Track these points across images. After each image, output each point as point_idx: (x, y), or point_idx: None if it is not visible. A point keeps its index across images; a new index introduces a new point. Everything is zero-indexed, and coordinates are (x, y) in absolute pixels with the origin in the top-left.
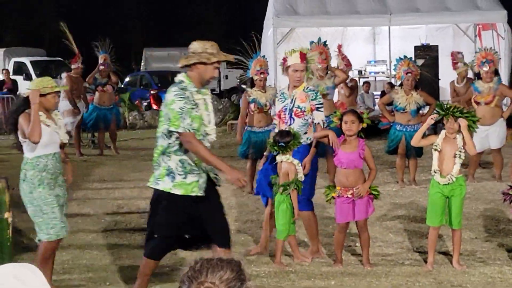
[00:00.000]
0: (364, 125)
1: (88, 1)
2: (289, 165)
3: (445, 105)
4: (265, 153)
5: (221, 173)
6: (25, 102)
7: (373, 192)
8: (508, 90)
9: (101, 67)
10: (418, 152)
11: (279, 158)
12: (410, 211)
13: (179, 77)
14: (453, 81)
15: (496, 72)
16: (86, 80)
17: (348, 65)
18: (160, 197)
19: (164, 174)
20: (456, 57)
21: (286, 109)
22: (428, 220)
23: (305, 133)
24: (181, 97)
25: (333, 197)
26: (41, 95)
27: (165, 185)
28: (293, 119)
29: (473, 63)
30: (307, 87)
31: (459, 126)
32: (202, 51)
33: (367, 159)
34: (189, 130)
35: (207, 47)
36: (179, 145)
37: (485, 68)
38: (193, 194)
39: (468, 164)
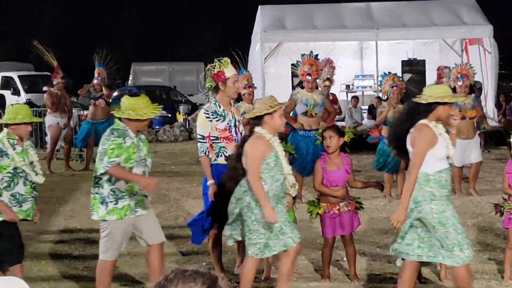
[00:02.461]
0: (346, 139)
1: (76, 16)
2: None
3: None
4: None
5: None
6: None
7: (357, 205)
8: (481, 109)
9: (95, 81)
10: (406, 166)
11: None
12: None
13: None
14: None
15: (471, 89)
16: (79, 91)
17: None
18: None
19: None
20: (442, 72)
21: (230, 126)
22: None
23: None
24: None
25: (318, 213)
26: (14, 124)
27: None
28: (238, 134)
29: (449, 79)
30: (232, 100)
31: None
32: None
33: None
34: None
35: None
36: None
37: (459, 83)
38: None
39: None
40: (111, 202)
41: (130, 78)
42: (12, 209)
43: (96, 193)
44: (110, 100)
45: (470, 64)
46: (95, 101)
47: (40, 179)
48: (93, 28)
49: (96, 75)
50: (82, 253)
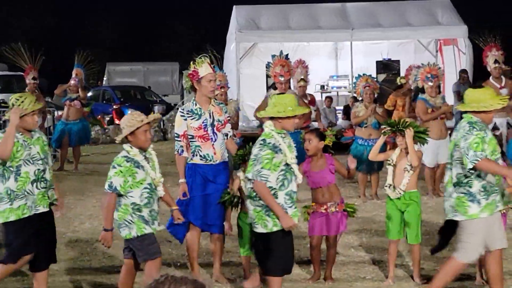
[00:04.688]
0: (327, 142)
1: (50, 16)
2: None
3: (394, 121)
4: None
5: None
6: None
7: (348, 209)
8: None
9: (72, 82)
10: (381, 166)
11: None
12: (371, 226)
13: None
14: (398, 91)
15: (438, 88)
16: (55, 91)
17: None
18: None
19: None
20: (409, 72)
21: (206, 125)
22: (387, 234)
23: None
24: None
25: (308, 214)
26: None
27: None
28: (216, 134)
29: (416, 78)
30: (214, 100)
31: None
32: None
33: (338, 170)
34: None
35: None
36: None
37: (430, 83)
38: None
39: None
40: (483, 198)
41: (105, 79)
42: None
43: (463, 192)
44: (86, 102)
45: (437, 64)
46: (71, 102)
47: None
48: (68, 28)
49: (73, 75)
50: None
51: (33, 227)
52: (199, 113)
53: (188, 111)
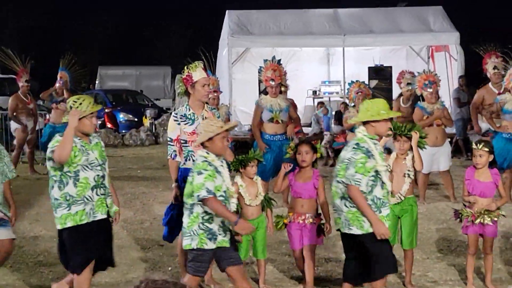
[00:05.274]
0: (318, 155)
1: (42, 18)
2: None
3: (397, 124)
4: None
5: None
6: None
7: (322, 225)
8: (449, 115)
9: (57, 85)
10: None
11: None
12: None
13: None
14: (398, 100)
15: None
16: (41, 95)
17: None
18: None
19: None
20: (401, 76)
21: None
22: None
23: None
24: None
25: (284, 224)
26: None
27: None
28: None
29: (414, 85)
30: (207, 105)
31: (409, 146)
32: None
33: (319, 190)
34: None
35: None
36: None
37: (430, 90)
38: None
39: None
40: None
41: (97, 82)
42: None
43: None
44: None
45: (433, 71)
46: (57, 104)
47: None
48: (60, 30)
49: (58, 78)
50: (48, 258)
51: (91, 234)
52: (193, 118)
53: (182, 115)
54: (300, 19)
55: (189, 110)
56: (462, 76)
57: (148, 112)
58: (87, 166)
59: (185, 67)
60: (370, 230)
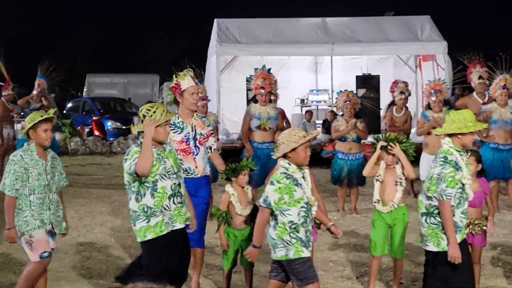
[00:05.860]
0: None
1: (30, 25)
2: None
3: (383, 137)
4: None
5: None
6: None
7: (315, 222)
8: None
9: (34, 92)
10: (361, 181)
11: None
12: (350, 240)
13: None
14: (391, 109)
15: (445, 102)
16: (18, 102)
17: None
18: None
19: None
20: (395, 85)
21: (188, 138)
22: (372, 250)
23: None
24: None
25: None
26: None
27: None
28: (198, 148)
29: (406, 94)
30: (197, 114)
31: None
32: None
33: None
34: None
35: None
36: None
37: (433, 98)
38: None
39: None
40: None
41: (85, 90)
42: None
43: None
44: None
45: (444, 80)
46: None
47: None
48: (47, 37)
49: (36, 85)
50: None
51: (171, 244)
52: (181, 126)
53: (171, 124)
54: (288, 27)
55: (178, 118)
56: (458, 85)
57: (136, 120)
58: (164, 175)
59: (174, 76)
60: (446, 249)
